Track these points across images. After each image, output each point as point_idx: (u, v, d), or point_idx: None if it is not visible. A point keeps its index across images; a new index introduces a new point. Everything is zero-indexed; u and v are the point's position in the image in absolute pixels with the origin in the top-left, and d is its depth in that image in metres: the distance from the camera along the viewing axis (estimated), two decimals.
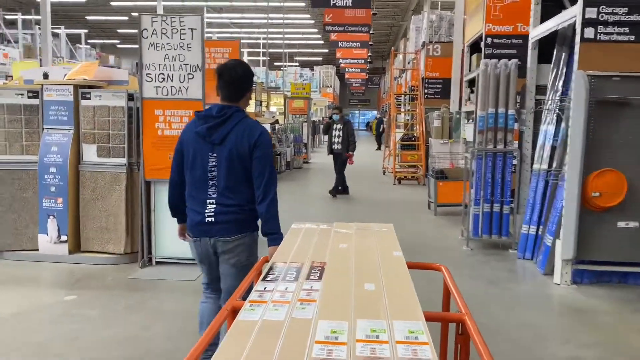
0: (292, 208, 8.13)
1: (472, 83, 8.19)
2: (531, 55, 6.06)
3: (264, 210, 2.60)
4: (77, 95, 5.21)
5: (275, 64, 31.34)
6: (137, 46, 4.96)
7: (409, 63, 16.59)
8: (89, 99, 5.20)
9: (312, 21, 24.19)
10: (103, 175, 5.23)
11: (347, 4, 12.42)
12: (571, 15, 4.91)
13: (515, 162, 6.13)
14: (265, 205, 2.60)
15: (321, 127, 15.58)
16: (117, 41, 31.30)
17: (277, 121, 14.07)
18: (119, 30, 28.09)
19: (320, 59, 37.05)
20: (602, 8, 4.62)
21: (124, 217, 5.18)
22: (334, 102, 28.67)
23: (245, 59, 27.92)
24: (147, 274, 4.96)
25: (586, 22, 4.65)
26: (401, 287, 1.80)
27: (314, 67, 31.25)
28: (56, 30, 17.41)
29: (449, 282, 2.15)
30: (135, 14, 4.85)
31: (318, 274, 1.91)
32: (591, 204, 4.72)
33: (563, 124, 5.35)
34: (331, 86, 30.61)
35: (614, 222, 4.74)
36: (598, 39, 4.64)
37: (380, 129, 25.35)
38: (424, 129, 12.29)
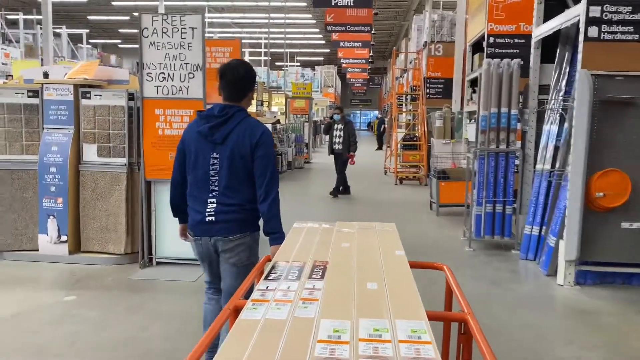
0: (293, 208, 8.09)
1: (474, 83, 8.16)
2: (534, 54, 6.02)
3: (265, 209, 2.60)
4: (78, 94, 5.19)
5: (276, 63, 31.33)
6: (138, 46, 4.94)
7: (410, 63, 16.56)
8: (89, 98, 5.18)
9: (314, 21, 24.16)
10: (103, 175, 5.20)
11: (349, 4, 12.39)
12: (575, 14, 4.87)
13: (517, 162, 6.10)
14: (267, 204, 2.59)
15: (322, 127, 15.54)
16: (119, 41, 31.33)
17: (278, 121, 14.05)
18: (120, 30, 28.13)
19: (322, 58, 37.02)
20: (606, 7, 4.58)
21: (124, 217, 5.15)
22: (335, 102, 28.62)
23: (247, 59, 27.89)
24: (148, 274, 4.93)
25: (590, 21, 4.61)
26: (404, 286, 1.80)
27: (316, 67, 31.22)
28: (58, 30, 17.40)
29: (451, 282, 2.14)
30: (136, 14, 4.81)
31: (320, 273, 1.90)
32: (595, 204, 4.68)
33: (566, 124, 5.31)
34: (332, 86, 30.55)
35: (618, 223, 4.70)
36: (602, 38, 4.60)
37: (381, 129, 25.33)
38: (425, 129, 12.25)
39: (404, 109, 15.19)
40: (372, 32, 16.71)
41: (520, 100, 6.09)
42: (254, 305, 1.59)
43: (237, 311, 1.68)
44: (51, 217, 5.17)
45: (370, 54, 24.08)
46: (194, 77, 4.87)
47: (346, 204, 9.18)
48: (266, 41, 21.34)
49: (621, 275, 4.83)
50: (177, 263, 5.13)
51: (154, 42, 4.86)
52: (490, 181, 6.00)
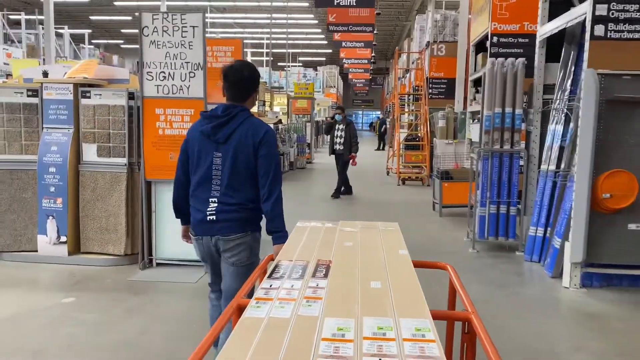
0: (296, 208, 8.04)
1: (477, 83, 8.09)
2: (539, 53, 5.95)
3: (269, 208, 2.60)
4: (77, 93, 5.14)
5: (278, 64, 31.28)
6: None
7: (413, 63, 16.49)
8: (89, 97, 5.13)
9: (316, 21, 24.11)
10: (103, 175, 5.15)
11: (351, 4, 12.35)
12: (581, 12, 4.80)
13: (522, 162, 6.02)
14: (270, 203, 2.59)
15: (323, 127, 15.49)
16: (121, 41, 31.34)
17: (280, 121, 13.98)
18: (122, 30, 28.13)
19: (324, 59, 36.97)
20: (613, 5, 4.51)
21: (124, 218, 5.10)
22: (337, 102, 28.57)
23: (249, 59, 27.86)
24: (148, 275, 4.87)
25: (596, 20, 4.54)
26: (407, 285, 1.80)
27: (318, 67, 31.15)
28: (60, 30, 17.39)
29: (454, 281, 2.13)
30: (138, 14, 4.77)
31: (324, 272, 1.91)
32: (601, 205, 4.61)
33: (572, 124, 5.24)
34: (334, 86, 30.49)
35: (625, 225, 4.63)
36: (608, 36, 4.54)
37: (382, 129, 25.29)
38: (428, 129, 12.19)
39: (406, 109, 15.12)
40: (375, 32, 16.65)
41: (525, 100, 6.02)
42: (258, 304, 1.59)
43: (240, 310, 1.68)
44: (50, 217, 5.12)
45: (373, 54, 24.03)
46: (194, 76, 4.82)
47: (348, 205, 9.12)
48: (268, 41, 21.29)
49: (628, 278, 4.75)
50: (177, 264, 5.07)
51: (154, 41, 4.80)
52: (494, 182, 5.93)
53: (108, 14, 24.31)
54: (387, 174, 13.77)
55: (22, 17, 17.16)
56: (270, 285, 1.76)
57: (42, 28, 13.77)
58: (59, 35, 17.13)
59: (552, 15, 5.67)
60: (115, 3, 21.13)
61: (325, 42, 28.95)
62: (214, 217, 2.60)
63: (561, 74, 5.63)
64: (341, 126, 9.68)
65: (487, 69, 5.96)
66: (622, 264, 4.69)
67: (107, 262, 5.12)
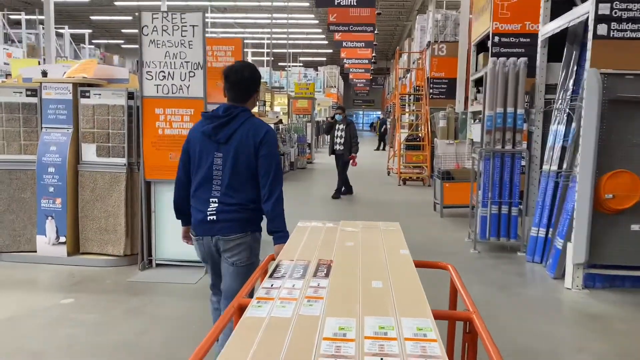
0: (296, 209, 8.01)
1: (478, 82, 8.05)
2: (540, 53, 5.92)
3: (269, 208, 2.60)
4: (77, 93, 5.11)
5: (279, 64, 31.26)
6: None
7: (413, 63, 16.46)
8: (89, 97, 5.10)
9: (316, 21, 24.09)
10: (102, 176, 5.12)
11: (352, 4, 12.32)
12: (583, 11, 4.77)
13: (523, 162, 5.99)
14: (271, 203, 2.59)
15: (324, 127, 15.46)
16: (122, 41, 31.32)
17: (280, 121, 13.95)
18: (123, 30, 28.11)
19: (324, 59, 36.94)
20: (616, 4, 4.48)
21: (124, 218, 5.07)
22: (337, 102, 28.53)
23: (249, 59, 27.83)
24: (147, 276, 4.84)
25: (599, 19, 4.51)
26: (409, 285, 1.80)
27: (318, 68, 31.12)
28: (60, 30, 17.37)
29: (456, 281, 2.13)
30: None
31: (325, 272, 1.91)
32: (604, 206, 4.57)
33: (574, 124, 5.21)
34: (335, 86, 30.45)
35: (628, 225, 4.60)
36: (611, 35, 4.50)
37: (382, 129, 25.26)
38: (429, 129, 12.16)
39: (407, 110, 15.09)
40: (375, 32, 16.61)
41: (527, 100, 5.99)
42: (259, 303, 1.59)
43: (241, 310, 1.68)
44: (50, 217, 5.09)
45: (373, 54, 23.99)
46: (194, 75, 4.79)
47: (349, 205, 9.09)
48: (269, 41, 21.26)
49: (630, 279, 4.72)
50: (177, 265, 5.04)
51: (154, 40, 4.78)
52: (495, 182, 5.90)
53: (108, 14, 24.29)
54: (388, 174, 13.74)
55: (23, 17, 17.15)
56: (272, 285, 1.75)
57: (43, 28, 13.75)
58: (59, 35, 17.11)
59: (554, 14, 5.64)
60: (116, 3, 21.11)
61: (326, 42, 28.91)
62: (215, 217, 2.59)
63: (563, 73, 5.60)
64: (341, 126, 9.65)
65: (489, 68, 5.93)
66: (624, 265, 4.66)
67: (106, 263, 5.09)
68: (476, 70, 8.20)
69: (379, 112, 46.30)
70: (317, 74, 29.14)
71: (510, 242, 5.98)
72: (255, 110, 2.95)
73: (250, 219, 2.65)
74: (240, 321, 1.48)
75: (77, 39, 22.55)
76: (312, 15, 23.30)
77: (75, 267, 5.02)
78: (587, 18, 4.67)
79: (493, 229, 5.95)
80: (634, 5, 4.47)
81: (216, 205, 2.60)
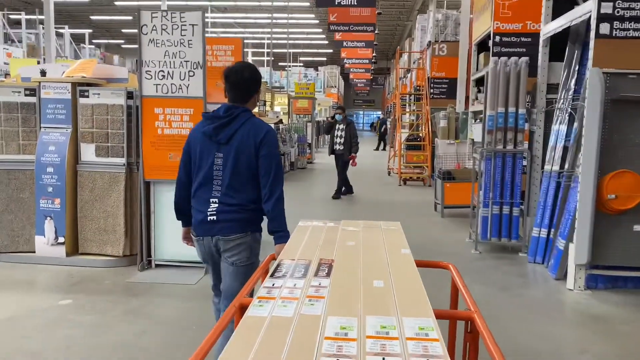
0: (297, 209, 7.97)
1: (479, 82, 8.02)
2: (542, 52, 5.88)
3: (270, 208, 2.60)
4: (75, 93, 5.08)
5: (279, 64, 31.22)
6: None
7: (414, 63, 16.43)
8: (88, 97, 5.07)
9: (317, 21, 24.05)
10: (102, 176, 5.09)
11: (352, 3, 12.28)
12: (585, 10, 4.73)
13: (525, 163, 5.96)
14: (272, 203, 2.59)
15: (324, 127, 15.43)
16: (122, 41, 31.29)
17: (281, 121, 13.92)
18: (123, 30, 28.08)
19: (325, 59, 36.90)
20: (618, 3, 4.45)
21: (123, 219, 5.04)
22: (338, 102, 28.50)
23: (250, 59, 27.80)
24: (146, 277, 4.81)
25: (602, 18, 4.47)
26: (410, 284, 1.80)
27: (319, 68, 31.09)
28: (60, 30, 17.34)
29: (457, 280, 2.13)
30: None
31: (326, 271, 1.91)
32: (606, 206, 4.54)
33: (576, 124, 5.18)
34: (335, 86, 30.41)
35: (630, 226, 4.57)
36: (614, 35, 4.47)
37: (382, 129, 25.22)
38: (429, 129, 12.12)
39: (407, 109, 15.06)
40: (376, 32, 16.58)
41: (528, 100, 5.96)
42: (260, 303, 1.59)
43: (242, 309, 1.69)
44: (48, 218, 5.06)
45: (374, 54, 23.96)
46: (194, 75, 4.76)
47: (350, 205, 9.06)
48: (269, 41, 21.23)
49: (633, 280, 4.69)
50: (176, 265, 5.02)
51: (153, 40, 4.75)
52: (497, 182, 5.86)
53: (109, 13, 24.27)
54: (389, 174, 13.72)
55: (23, 16, 17.12)
56: (273, 284, 1.75)
57: (43, 28, 13.71)
58: (59, 35, 17.08)
59: (556, 13, 5.61)
60: (116, 3, 21.08)
61: (326, 42, 28.88)
62: (215, 217, 2.60)
63: (565, 73, 5.56)
64: (341, 126, 9.61)
65: (490, 68, 5.90)
66: (627, 266, 4.62)
67: (105, 263, 5.06)
68: (477, 69, 8.17)
69: (380, 112, 46.25)
70: (318, 73, 29.11)
71: (511, 243, 5.95)
72: (255, 110, 2.93)
73: (250, 219, 2.65)
74: (242, 320, 1.48)
75: (78, 39, 22.53)
76: (313, 15, 23.27)
77: (74, 268, 4.99)
78: (590, 17, 4.64)
79: (494, 230, 5.92)
80: (637, 4, 4.43)
81: (216, 205, 2.60)
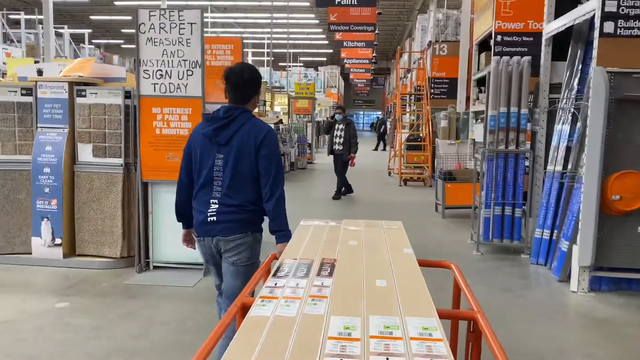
0: (297, 209, 7.90)
1: (480, 82, 7.97)
2: (545, 52, 5.82)
3: (271, 208, 2.61)
4: (73, 92, 5.02)
5: (279, 64, 31.16)
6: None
7: (414, 63, 16.37)
8: (85, 96, 5.01)
9: (317, 21, 23.99)
10: (99, 176, 5.03)
11: (352, 3, 12.21)
12: (589, 9, 4.67)
13: (527, 163, 5.90)
14: (272, 203, 2.60)
15: (323, 126, 15.36)
16: (121, 41, 31.21)
17: (281, 121, 13.86)
18: (123, 30, 28.01)
19: (325, 59, 36.84)
20: (623, 1, 4.39)
21: (121, 220, 4.98)
22: (338, 102, 28.43)
23: (250, 59, 27.75)
24: (144, 279, 4.75)
25: (606, 16, 4.42)
26: (413, 284, 1.80)
27: (319, 68, 31.03)
28: (60, 30, 17.28)
29: (459, 280, 2.13)
30: None
31: (329, 270, 1.90)
32: (610, 207, 4.48)
33: (579, 124, 5.12)
34: (335, 86, 30.35)
35: (635, 227, 4.50)
36: (618, 33, 4.41)
37: (382, 129, 25.15)
38: (430, 130, 12.07)
39: (407, 110, 15.01)
40: (376, 32, 16.52)
41: (530, 100, 5.89)
42: (263, 302, 1.58)
43: (244, 309, 1.69)
44: (45, 219, 5.00)
45: (374, 54, 23.90)
46: (192, 74, 4.70)
47: (350, 205, 9.00)
48: (269, 41, 21.17)
49: (637, 282, 4.63)
50: (174, 267, 4.95)
51: (151, 38, 4.69)
52: (499, 183, 5.80)
53: (108, 13, 24.21)
54: (389, 175, 13.66)
55: (22, 16, 17.06)
56: (275, 284, 1.75)
57: (42, 28, 13.63)
58: (58, 35, 17.02)
59: (559, 12, 5.55)
60: (116, 2, 21.01)
61: (327, 42, 28.82)
62: (215, 218, 2.61)
63: (568, 72, 5.50)
64: (341, 126, 9.54)
65: (492, 67, 5.84)
66: (631, 268, 4.56)
67: (102, 265, 4.99)
68: (478, 69, 8.11)
69: (380, 112, 46.19)
70: (318, 74, 29.05)
71: (513, 244, 5.89)
72: (255, 110, 2.91)
73: (249, 220, 2.65)
74: (245, 320, 1.47)
75: (77, 39, 22.46)
76: (313, 15, 23.21)
77: (71, 270, 4.93)
78: (593, 15, 4.58)
79: (496, 231, 5.86)
80: None
81: (216, 206, 2.61)
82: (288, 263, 1.99)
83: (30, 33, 17.57)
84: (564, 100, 5.47)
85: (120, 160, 4.98)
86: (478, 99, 8.00)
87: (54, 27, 13.06)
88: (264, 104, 15.46)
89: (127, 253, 5.05)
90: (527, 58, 5.73)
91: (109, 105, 4.97)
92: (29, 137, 5.16)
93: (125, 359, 3.22)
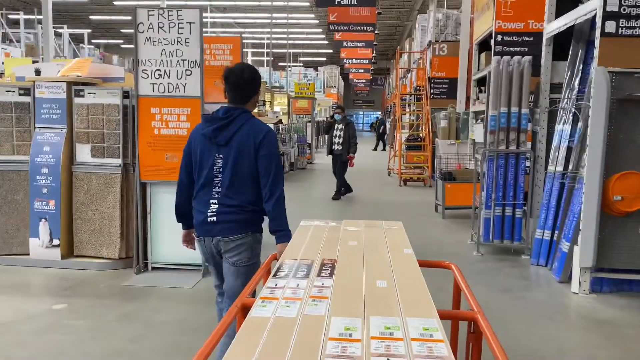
0: (297, 210, 7.86)
1: (480, 82, 7.94)
2: (545, 51, 5.79)
3: (270, 208, 2.61)
4: (71, 92, 4.99)
5: (279, 64, 31.12)
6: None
7: (414, 63, 16.34)
8: (83, 96, 4.98)
9: (317, 21, 23.96)
10: (97, 177, 5.00)
11: (352, 3, 12.19)
12: (590, 8, 4.64)
13: (528, 163, 5.87)
14: (272, 203, 2.60)
15: (323, 126, 15.33)
16: (121, 41, 31.18)
17: (280, 121, 13.83)
18: (122, 30, 27.98)
19: (325, 59, 36.81)
20: (625, 1, 4.36)
21: (119, 221, 4.95)
22: (338, 102, 28.39)
23: (249, 59, 27.71)
24: (142, 280, 4.72)
25: (607, 16, 4.39)
26: (413, 284, 1.80)
27: (318, 68, 31.01)
28: (59, 30, 17.24)
29: (459, 280, 2.13)
30: None
31: (329, 271, 1.90)
32: (612, 208, 4.45)
33: (580, 124, 5.09)
34: (335, 86, 30.32)
35: (636, 228, 4.47)
36: (620, 33, 4.38)
37: (381, 130, 25.12)
38: (430, 130, 12.05)
39: (407, 110, 14.98)
40: (376, 32, 16.49)
41: (531, 100, 5.87)
42: (263, 303, 1.59)
43: (244, 309, 1.70)
44: (43, 220, 4.97)
45: (373, 54, 23.87)
46: (191, 74, 4.67)
47: (350, 206, 8.97)
48: (269, 41, 21.14)
49: (639, 283, 4.60)
50: (173, 268, 4.92)
51: (149, 38, 4.66)
52: (499, 183, 5.77)
53: (108, 13, 24.18)
54: (389, 175, 13.64)
55: (21, 16, 17.03)
56: (276, 285, 1.75)
57: (41, 27, 13.60)
58: (58, 35, 16.98)
59: (559, 12, 5.52)
60: (115, 2, 20.98)
61: (326, 42, 28.79)
62: (215, 218, 2.61)
63: (569, 72, 5.47)
64: (340, 125, 9.51)
65: (493, 67, 5.81)
66: (633, 269, 4.53)
67: (101, 266, 4.96)
68: (478, 69, 8.08)
69: (379, 113, 46.16)
70: (317, 74, 29.03)
71: (514, 245, 5.87)
72: (255, 110, 2.90)
73: (249, 220, 2.65)
74: (245, 321, 1.47)
75: (77, 39, 22.43)
76: (312, 15, 23.18)
77: (68, 271, 4.89)
78: (595, 15, 4.55)
79: (497, 231, 5.83)
80: None
81: (216, 206, 2.62)
82: (288, 263, 1.99)
83: (29, 33, 17.53)
84: (565, 100, 5.44)
85: (119, 161, 4.95)
86: (478, 99, 7.98)
87: (54, 27, 13.03)
88: (264, 104, 15.42)
89: (125, 254, 5.02)
90: (527, 58, 5.70)
91: (107, 105, 4.94)
92: (26, 137, 5.13)
93: None
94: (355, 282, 1.80)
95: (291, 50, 25.53)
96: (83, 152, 5.04)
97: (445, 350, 1.28)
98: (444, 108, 11.02)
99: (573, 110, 5.26)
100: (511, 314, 4.14)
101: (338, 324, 1.42)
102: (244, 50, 6.34)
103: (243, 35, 24.77)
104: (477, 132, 7.32)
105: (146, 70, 4.68)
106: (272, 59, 21.06)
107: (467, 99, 10.10)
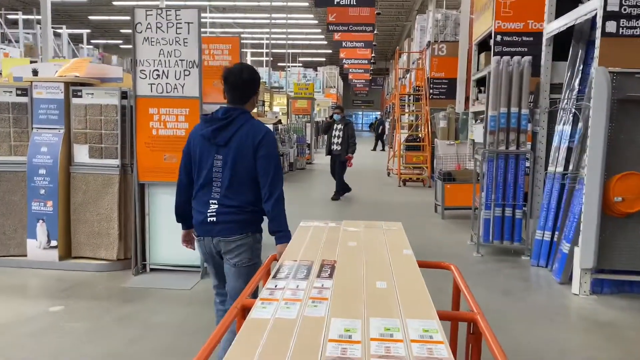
0: (296, 210, 7.84)
1: (480, 82, 7.92)
2: (545, 52, 5.77)
3: (269, 208, 2.61)
4: (68, 93, 4.96)
5: (278, 64, 31.11)
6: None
7: (413, 63, 16.33)
8: (81, 96, 4.95)
9: (316, 21, 23.95)
10: (95, 177, 4.97)
11: (351, 3, 12.17)
12: (591, 8, 4.62)
13: (528, 164, 5.85)
14: (271, 204, 2.60)
15: (321, 126, 15.30)
16: (120, 41, 31.14)
17: (280, 121, 13.80)
18: (121, 31, 27.94)
19: (324, 59, 36.80)
20: (625, 1, 4.34)
21: (117, 222, 4.92)
22: (337, 102, 28.36)
23: (249, 59, 27.69)
24: (141, 281, 4.69)
25: (608, 16, 4.37)
26: (413, 285, 1.80)
27: (318, 68, 30.99)
28: (58, 30, 17.21)
29: (459, 281, 2.13)
30: None
31: (329, 272, 1.90)
32: (613, 209, 4.43)
33: (580, 124, 5.07)
34: (334, 87, 30.30)
35: (637, 229, 4.46)
36: (620, 33, 4.36)
37: (380, 130, 25.10)
38: (429, 130, 12.03)
39: (406, 110, 14.96)
40: (375, 32, 16.48)
41: (531, 100, 5.85)
42: (263, 304, 1.59)
43: (244, 310, 1.69)
44: (40, 221, 4.94)
45: (373, 55, 23.86)
46: (189, 74, 4.64)
47: (349, 206, 8.95)
48: (268, 41, 21.12)
49: (639, 285, 4.57)
50: (171, 270, 4.89)
51: (147, 38, 4.63)
52: (499, 184, 5.75)
53: (107, 13, 24.14)
54: (388, 175, 13.62)
55: (20, 16, 16.99)
56: (275, 286, 1.75)
57: (40, 28, 13.56)
58: (57, 35, 16.94)
59: (559, 12, 5.50)
60: (114, 3, 20.96)
61: (325, 42, 28.78)
62: (214, 218, 2.62)
63: (569, 72, 5.45)
64: (339, 126, 9.49)
65: (492, 67, 5.79)
66: (634, 270, 4.51)
67: (99, 268, 4.94)
68: (478, 69, 8.06)
69: (379, 113, 46.15)
70: (317, 74, 29.01)
71: (514, 246, 5.84)
72: (254, 110, 2.88)
73: (249, 221, 2.65)
74: (245, 322, 1.47)
75: (76, 39, 22.38)
76: (312, 15, 23.16)
77: (66, 272, 4.86)
78: (595, 15, 4.54)
79: (496, 232, 5.81)
80: None
81: (216, 207, 2.62)
82: (288, 264, 1.98)
83: (28, 33, 17.50)
84: (565, 100, 5.42)
85: (117, 162, 4.93)
86: (477, 99, 7.96)
87: (52, 27, 13.00)
88: (263, 104, 15.40)
89: (123, 255, 5.00)
90: (527, 58, 5.68)
91: (105, 106, 4.92)
92: (24, 138, 5.10)
93: None
94: (355, 283, 1.80)
95: (290, 51, 25.52)
96: (81, 153, 5.01)
97: (445, 351, 1.27)
98: (443, 108, 11.00)
99: (573, 110, 5.24)
100: (511, 315, 4.12)
101: (338, 326, 1.42)
102: (243, 50, 6.32)
103: (242, 35, 24.75)
104: (476, 132, 7.30)
105: (144, 70, 4.66)
106: (272, 59, 21.03)
107: (467, 99, 10.08)
